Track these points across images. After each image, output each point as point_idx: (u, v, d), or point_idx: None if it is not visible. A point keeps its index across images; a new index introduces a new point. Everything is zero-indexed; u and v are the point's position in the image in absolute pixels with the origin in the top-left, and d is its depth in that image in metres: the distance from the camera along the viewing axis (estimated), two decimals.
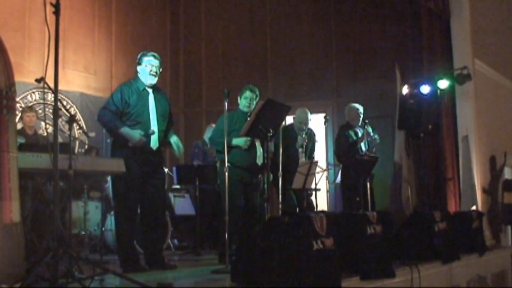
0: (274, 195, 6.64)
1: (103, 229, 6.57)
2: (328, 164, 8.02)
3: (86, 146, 7.77)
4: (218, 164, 5.90)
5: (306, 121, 6.80)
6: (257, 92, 5.86)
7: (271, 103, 5.16)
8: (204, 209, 7.53)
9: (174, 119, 5.62)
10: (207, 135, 8.12)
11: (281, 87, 9.87)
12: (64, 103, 8.02)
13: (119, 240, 5.00)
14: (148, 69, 5.04)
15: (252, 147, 5.70)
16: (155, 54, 5.13)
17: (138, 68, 5.10)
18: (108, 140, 7.52)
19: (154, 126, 4.99)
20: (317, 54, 9.80)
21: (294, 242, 3.61)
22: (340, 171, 7.48)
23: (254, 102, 5.74)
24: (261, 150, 5.70)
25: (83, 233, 6.46)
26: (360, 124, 7.17)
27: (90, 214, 6.65)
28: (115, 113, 4.91)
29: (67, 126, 4.47)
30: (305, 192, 6.60)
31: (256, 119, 5.08)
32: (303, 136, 6.72)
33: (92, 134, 6.81)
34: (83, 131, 5.52)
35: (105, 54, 9.19)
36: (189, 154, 8.22)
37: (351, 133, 7.22)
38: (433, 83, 8.15)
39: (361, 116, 7.24)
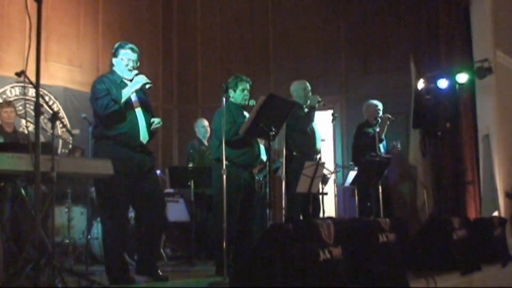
0: (277, 199, 6.64)
1: (89, 237, 6.56)
2: (336, 165, 8.02)
3: (70, 146, 7.77)
4: (213, 163, 5.86)
5: (307, 84, 6.83)
6: (250, 82, 5.90)
7: (274, 98, 5.15)
8: (200, 215, 7.52)
9: (167, 117, 5.63)
10: (199, 132, 8.12)
11: (284, 81, 9.83)
12: (47, 98, 8.02)
13: (107, 249, 4.99)
14: (125, 63, 5.06)
15: (253, 141, 5.72)
16: (133, 46, 5.13)
17: (114, 60, 5.11)
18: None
19: (141, 120, 5.01)
20: (324, 45, 9.79)
21: (299, 251, 3.60)
22: (349, 173, 7.49)
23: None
24: (262, 145, 5.73)
25: (67, 241, 6.46)
26: (375, 120, 7.22)
27: (75, 221, 6.65)
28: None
29: (49, 124, 4.46)
30: (311, 197, 6.59)
31: (257, 117, 5.07)
32: (311, 96, 6.71)
33: (76, 131, 6.79)
34: (67, 129, 5.51)
35: (91, 45, 9.18)
36: (184, 156, 8.22)
37: (371, 130, 7.27)
38: (451, 77, 8.14)
39: (380, 113, 7.32)
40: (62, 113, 8.37)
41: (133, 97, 5.05)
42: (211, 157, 6.45)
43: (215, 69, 10.29)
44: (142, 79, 4.96)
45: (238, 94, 5.82)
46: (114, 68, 5.10)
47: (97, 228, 6.64)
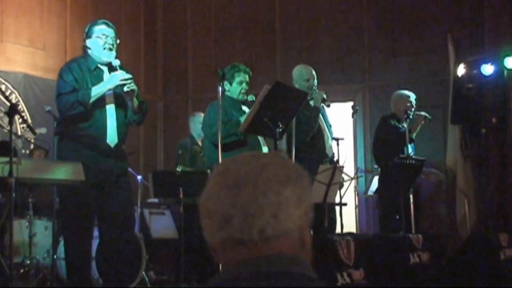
0: None
1: (55, 257, 6.57)
2: (357, 170, 8.02)
3: (32, 146, 7.78)
4: (208, 171, 5.91)
5: (312, 74, 6.74)
6: (250, 72, 5.92)
7: (281, 87, 5.17)
8: (190, 231, 7.53)
9: (150, 110, 5.63)
10: (194, 129, 8.12)
11: (293, 66, 9.84)
12: (3, 87, 8.03)
13: (69, 269, 5.06)
14: (102, 41, 5.05)
15: (254, 143, 5.73)
16: (108, 21, 5.15)
17: (88, 42, 5.11)
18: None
19: (111, 119, 5.02)
20: (343, 23, 9.79)
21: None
22: (373, 179, 7.49)
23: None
24: (266, 147, 5.73)
25: (28, 262, 6.46)
26: (406, 115, 7.23)
27: (38, 237, 6.65)
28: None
29: (6, 119, 4.48)
30: (327, 208, 6.60)
31: (261, 110, 5.08)
32: (316, 92, 6.65)
33: (41, 131, 6.81)
34: (28, 126, 5.51)
35: (57, 22, 9.19)
36: (172, 158, 8.24)
37: (398, 126, 7.26)
38: (497, 61, 8.14)
39: (413, 107, 7.30)
40: (21, 106, 8.38)
41: (106, 93, 5.04)
42: (204, 159, 6.47)
43: (209, 53, 10.29)
44: (117, 78, 4.91)
45: (235, 88, 5.85)
46: (90, 52, 5.10)
47: (64, 246, 6.64)
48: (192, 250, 7.50)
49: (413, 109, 7.36)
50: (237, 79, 5.86)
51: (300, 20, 9.98)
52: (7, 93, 8.16)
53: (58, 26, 9.19)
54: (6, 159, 4.20)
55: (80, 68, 5.02)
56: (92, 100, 4.86)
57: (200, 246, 7.43)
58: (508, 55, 8.09)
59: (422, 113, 7.31)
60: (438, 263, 4.85)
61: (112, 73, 4.99)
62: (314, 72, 6.77)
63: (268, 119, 5.05)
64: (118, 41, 5.15)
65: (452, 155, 8.33)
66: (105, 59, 5.06)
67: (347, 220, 6.95)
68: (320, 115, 6.72)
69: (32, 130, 6.01)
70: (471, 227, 8.00)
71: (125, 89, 4.91)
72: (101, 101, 4.99)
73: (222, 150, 5.31)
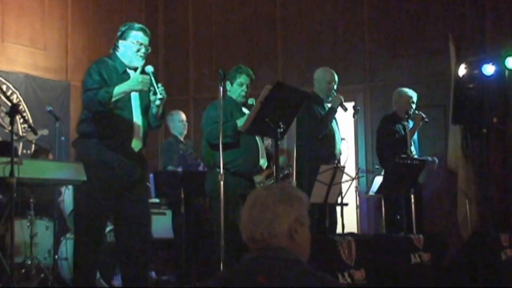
0: None
1: (56, 257, 6.57)
2: (358, 170, 8.01)
3: (34, 147, 7.78)
4: (207, 172, 5.92)
5: (334, 78, 6.95)
6: (253, 76, 5.93)
7: (282, 88, 5.16)
8: (192, 231, 7.52)
9: None
10: (175, 128, 8.10)
11: (295, 66, 9.87)
12: (4, 87, 8.03)
13: (76, 269, 5.03)
14: (135, 48, 5.03)
15: (252, 144, 5.73)
16: (145, 28, 5.15)
17: (120, 43, 5.08)
18: (63, 138, 7.55)
19: (138, 121, 5.01)
20: (344, 22, 9.79)
21: (313, 275, 3.61)
22: (374, 179, 7.49)
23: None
24: (263, 147, 5.76)
25: (29, 262, 6.46)
26: (411, 115, 7.24)
27: (39, 238, 6.65)
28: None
29: (7, 120, 4.48)
30: (328, 208, 6.60)
31: (262, 110, 5.08)
32: (335, 95, 6.84)
33: (44, 132, 6.80)
34: (29, 126, 5.50)
35: (58, 22, 9.20)
36: (161, 158, 8.22)
37: (399, 127, 7.27)
38: (499, 61, 8.13)
39: (414, 105, 7.32)
40: (23, 106, 8.39)
41: (134, 97, 5.03)
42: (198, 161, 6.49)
43: (210, 52, 10.29)
44: (140, 80, 4.81)
45: (235, 89, 5.85)
46: (119, 53, 5.07)
47: (65, 246, 6.63)
48: (193, 251, 7.51)
49: (413, 109, 7.37)
50: (238, 80, 5.86)
51: (302, 20, 9.98)
52: (8, 93, 8.17)
53: (59, 26, 9.19)
54: (7, 159, 4.20)
55: (109, 69, 5.00)
56: (113, 100, 4.79)
57: (200, 246, 7.44)
58: (509, 55, 8.07)
59: (419, 114, 7.30)
60: (439, 262, 4.85)
61: (135, 74, 4.91)
62: (336, 77, 6.99)
63: (269, 119, 5.05)
64: (150, 50, 5.15)
65: (453, 155, 8.32)
66: (135, 64, 5.04)
67: (348, 220, 6.95)
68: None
69: (33, 130, 6.02)
70: (472, 227, 8.00)
71: (158, 96, 4.87)
72: (128, 105, 4.98)
73: (217, 149, 5.29)
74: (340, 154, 6.92)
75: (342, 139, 7.04)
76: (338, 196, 6.35)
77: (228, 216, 5.29)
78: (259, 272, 2.27)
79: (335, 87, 6.93)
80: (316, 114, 6.76)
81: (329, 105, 6.87)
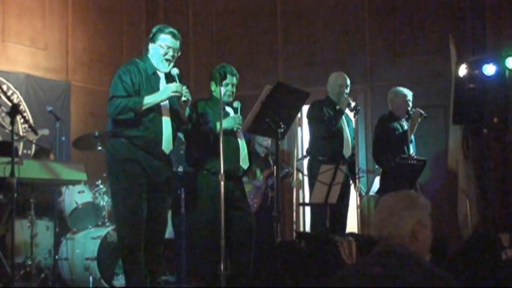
0: (287, 210, 6.64)
1: (56, 257, 6.57)
2: (359, 170, 8.01)
3: (34, 147, 7.77)
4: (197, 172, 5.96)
5: (346, 83, 7.09)
6: (237, 75, 5.93)
7: (283, 88, 5.17)
8: (191, 231, 7.51)
9: None
10: None
11: (295, 66, 9.86)
12: (4, 87, 8.02)
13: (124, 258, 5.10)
14: (163, 51, 5.10)
15: (233, 144, 5.73)
16: (175, 31, 5.19)
17: (150, 46, 5.16)
18: (63, 138, 7.55)
19: (166, 124, 5.06)
20: (344, 22, 9.78)
21: (313, 275, 3.61)
22: (375, 179, 7.49)
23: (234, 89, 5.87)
24: (246, 149, 5.76)
25: (30, 262, 6.46)
26: (407, 114, 7.24)
27: (39, 238, 6.65)
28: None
29: (8, 119, 4.48)
30: (328, 208, 6.60)
31: (262, 110, 5.08)
32: (344, 97, 6.97)
33: (44, 132, 6.80)
34: (30, 126, 5.50)
35: (58, 22, 9.19)
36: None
37: (396, 125, 7.27)
38: (499, 61, 8.12)
39: (410, 104, 7.31)
40: (23, 106, 8.38)
41: (163, 103, 5.08)
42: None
43: (211, 54, 10.27)
44: (170, 90, 4.95)
45: (219, 89, 5.85)
46: (149, 55, 5.14)
47: (66, 247, 6.64)
48: (192, 250, 7.50)
49: (410, 107, 7.36)
50: (223, 82, 5.84)
51: (302, 21, 9.97)
52: (9, 93, 8.17)
53: (59, 26, 9.19)
54: (8, 159, 4.20)
55: (139, 72, 5.05)
56: (144, 107, 4.91)
57: (200, 246, 7.43)
58: (510, 55, 8.06)
59: (418, 110, 7.30)
60: (439, 263, 4.84)
61: (166, 85, 5.03)
62: (349, 82, 7.13)
63: (270, 119, 5.05)
64: (179, 54, 5.18)
65: (454, 155, 8.31)
66: (162, 68, 5.11)
67: (349, 220, 6.96)
68: (345, 121, 7.05)
69: (33, 130, 6.02)
70: (473, 227, 7.99)
71: (183, 98, 4.96)
72: (158, 110, 5.03)
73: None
74: (349, 155, 6.97)
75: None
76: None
77: (207, 215, 5.47)
78: (377, 264, 2.70)
79: (347, 90, 7.05)
80: (324, 115, 6.82)
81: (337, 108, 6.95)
